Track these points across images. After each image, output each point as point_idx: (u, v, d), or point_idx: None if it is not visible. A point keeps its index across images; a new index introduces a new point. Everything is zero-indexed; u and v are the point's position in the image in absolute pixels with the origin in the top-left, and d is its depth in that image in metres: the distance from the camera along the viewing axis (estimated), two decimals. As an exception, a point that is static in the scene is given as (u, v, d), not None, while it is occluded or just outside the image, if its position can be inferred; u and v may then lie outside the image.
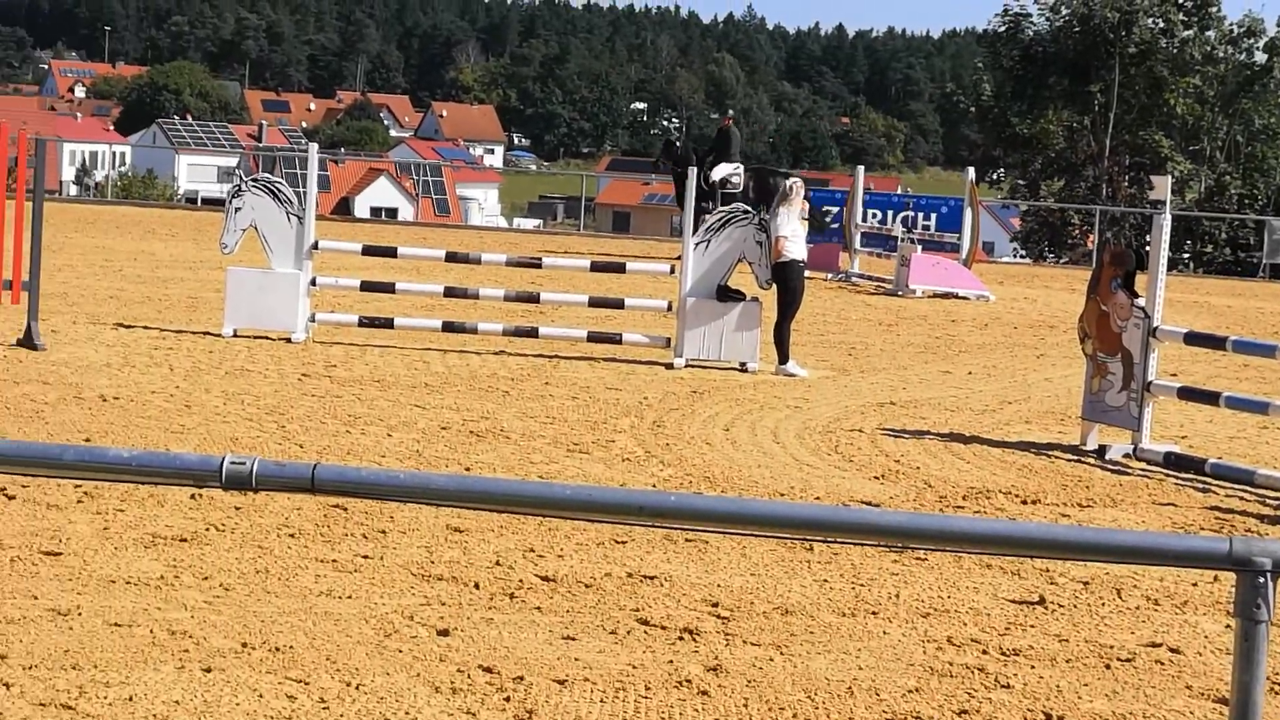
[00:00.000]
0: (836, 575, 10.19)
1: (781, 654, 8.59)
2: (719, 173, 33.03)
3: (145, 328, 20.13)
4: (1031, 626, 9.34)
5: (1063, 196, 56.95)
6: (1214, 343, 16.53)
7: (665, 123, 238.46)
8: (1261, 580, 4.69)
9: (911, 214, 33.14)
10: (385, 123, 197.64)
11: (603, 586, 9.69)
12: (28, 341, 17.83)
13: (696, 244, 19.57)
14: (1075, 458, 14.94)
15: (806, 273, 20.20)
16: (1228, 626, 9.36)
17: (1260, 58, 57.55)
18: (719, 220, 19.68)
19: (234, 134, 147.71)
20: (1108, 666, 8.68)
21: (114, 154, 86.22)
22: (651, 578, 9.91)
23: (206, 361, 17.83)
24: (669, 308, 20.11)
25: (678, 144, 35.61)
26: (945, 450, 14.91)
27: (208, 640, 8.28)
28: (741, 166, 33.80)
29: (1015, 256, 58.30)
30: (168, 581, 9.31)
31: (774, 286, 19.46)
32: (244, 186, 20.28)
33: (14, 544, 9.93)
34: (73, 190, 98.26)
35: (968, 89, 67.88)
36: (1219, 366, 21.18)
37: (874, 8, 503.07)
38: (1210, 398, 15.54)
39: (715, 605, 9.41)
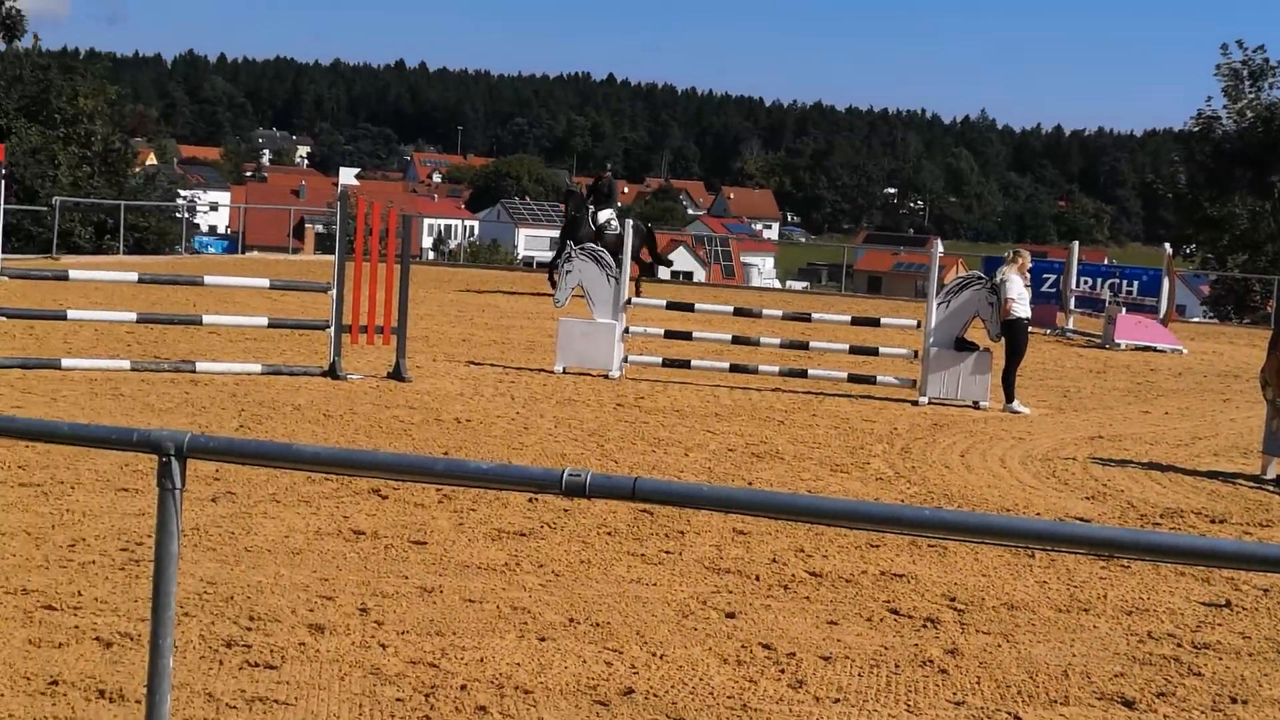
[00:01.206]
0: (1054, 578, 10.03)
1: (1008, 641, 8.48)
2: (603, 216, 33.17)
3: (491, 365, 20.45)
4: (1219, 625, 9.11)
5: (1246, 268, 55.44)
6: (1377, 391, 15.99)
7: (911, 204, 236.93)
8: None
9: (1117, 281, 32.76)
10: (684, 203, 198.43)
11: (860, 582, 9.63)
12: (396, 375, 18.21)
13: (939, 303, 19.38)
14: (1256, 485, 14.54)
15: (1030, 328, 19.91)
16: (1389, 630, 9.06)
17: None
18: (958, 284, 19.47)
19: (563, 212, 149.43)
20: (1285, 660, 8.43)
21: (465, 227, 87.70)
22: (900, 576, 9.84)
23: (541, 392, 18.06)
24: (915, 355, 19.95)
25: (575, 190, 35.27)
26: (1145, 476, 14.58)
27: (542, 615, 8.39)
28: (615, 212, 33.56)
29: (1205, 317, 56.78)
30: (510, 568, 9.45)
31: (1003, 339, 19.22)
32: (573, 254, 20.57)
33: (388, 534, 10.15)
34: (431, 256, 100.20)
35: (1166, 178, 66.26)
36: (1381, 412, 20.46)
37: (1087, 110, 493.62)
38: (1373, 437, 15.05)
39: (953, 600, 9.32)
